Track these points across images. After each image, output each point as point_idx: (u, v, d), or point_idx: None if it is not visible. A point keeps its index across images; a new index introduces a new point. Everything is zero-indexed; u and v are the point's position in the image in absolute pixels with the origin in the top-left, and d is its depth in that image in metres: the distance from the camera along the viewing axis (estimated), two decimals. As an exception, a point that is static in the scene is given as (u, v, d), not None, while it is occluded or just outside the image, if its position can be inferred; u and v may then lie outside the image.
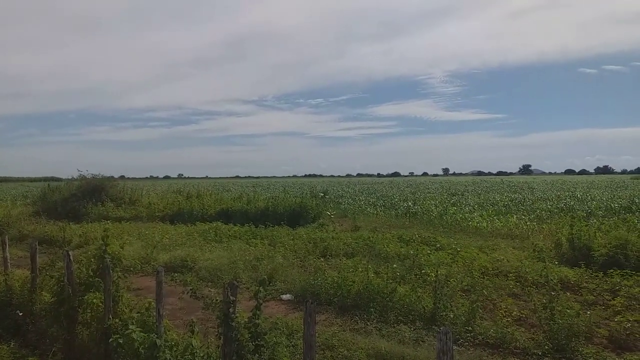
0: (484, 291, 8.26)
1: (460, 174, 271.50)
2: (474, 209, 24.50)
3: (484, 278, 9.40)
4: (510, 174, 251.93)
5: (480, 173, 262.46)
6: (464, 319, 7.14)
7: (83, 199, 25.05)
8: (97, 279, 6.14)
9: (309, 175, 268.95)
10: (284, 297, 9.25)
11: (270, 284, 9.60)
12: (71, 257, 6.40)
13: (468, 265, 10.39)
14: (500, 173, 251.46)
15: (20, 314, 7.15)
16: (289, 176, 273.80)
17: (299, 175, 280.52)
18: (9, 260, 8.61)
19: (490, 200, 30.61)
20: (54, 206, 25.15)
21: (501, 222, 18.40)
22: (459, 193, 40.35)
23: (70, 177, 30.10)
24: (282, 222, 18.63)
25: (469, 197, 34.66)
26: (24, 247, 15.41)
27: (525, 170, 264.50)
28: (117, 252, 6.40)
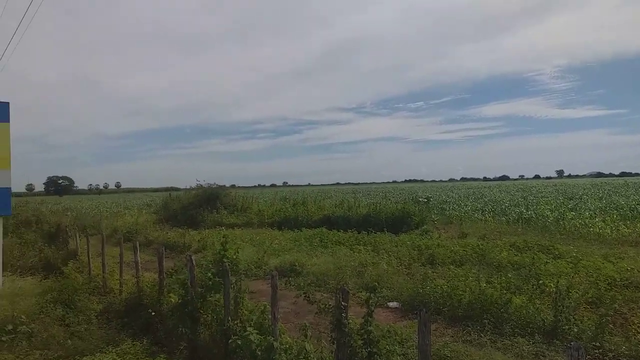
0: (614, 305, 7.52)
1: (577, 176, 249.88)
2: (595, 213, 22.44)
3: (611, 290, 8.57)
4: (636, 174, 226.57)
5: (599, 174, 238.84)
6: (590, 333, 6.58)
7: (200, 207, 27.01)
8: (218, 280, 6.55)
9: (410, 181, 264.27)
10: (391, 304, 9.19)
11: (376, 291, 9.59)
12: (194, 261, 6.93)
13: (592, 275, 9.55)
14: (623, 174, 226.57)
15: (153, 313, 7.85)
16: (388, 182, 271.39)
17: (399, 180, 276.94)
18: (139, 264, 9.54)
19: (613, 204, 27.80)
20: (174, 214, 27.40)
21: (628, 229, 16.65)
22: (577, 197, 37.18)
23: (188, 187, 32.63)
24: (384, 229, 18.53)
25: (589, 200, 31.79)
26: (150, 252, 16.98)
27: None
28: (233, 257, 6.79)
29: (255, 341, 5.18)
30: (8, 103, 9.86)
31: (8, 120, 9.86)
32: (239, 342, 5.30)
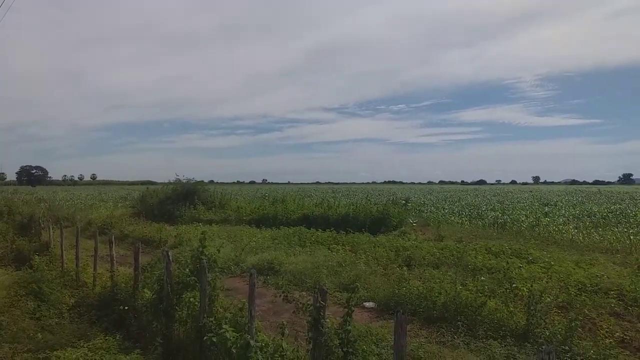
0: (583, 309, 7.72)
1: (552, 183, 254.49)
2: (568, 220, 22.96)
3: (581, 295, 8.78)
4: (609, 183, 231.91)
5: (574, 182, 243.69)
6: (560, 337, 6.72)
7: (177, 202, 26.73)
8: (194, 278, 6.51)
9: (389, 182, 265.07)
10: (367, 304, 9.24)
11: (356, 291, 9.63)
12: (170, 257, 6.85)
13: (563, 280, 9.79)
14: (596, 182, 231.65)
15: (126, 308, 7.74)
16: (368, 182, 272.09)
17: (378, 181, 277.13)
18: (114, 259, 9.39)
19: (586, 211, 28.51)
20: (151, 208, 27.06)
21: (599, 235, 17.09)
22: (552, 203, 37.96)
23: (166, 182, 32.16)
24: (363, 229, 18.63)
25: (563, 207, 32.51)
26: (125, 246, 16.73)
27: (626, 179, 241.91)
28: (213, 254, 6.75)
29: (231, 339, 5.15)
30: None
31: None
32: (214, 340, 5.26)
